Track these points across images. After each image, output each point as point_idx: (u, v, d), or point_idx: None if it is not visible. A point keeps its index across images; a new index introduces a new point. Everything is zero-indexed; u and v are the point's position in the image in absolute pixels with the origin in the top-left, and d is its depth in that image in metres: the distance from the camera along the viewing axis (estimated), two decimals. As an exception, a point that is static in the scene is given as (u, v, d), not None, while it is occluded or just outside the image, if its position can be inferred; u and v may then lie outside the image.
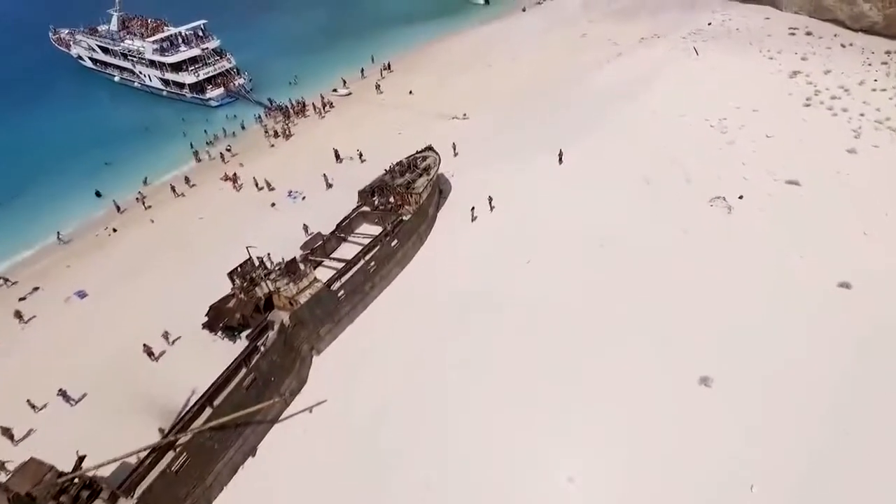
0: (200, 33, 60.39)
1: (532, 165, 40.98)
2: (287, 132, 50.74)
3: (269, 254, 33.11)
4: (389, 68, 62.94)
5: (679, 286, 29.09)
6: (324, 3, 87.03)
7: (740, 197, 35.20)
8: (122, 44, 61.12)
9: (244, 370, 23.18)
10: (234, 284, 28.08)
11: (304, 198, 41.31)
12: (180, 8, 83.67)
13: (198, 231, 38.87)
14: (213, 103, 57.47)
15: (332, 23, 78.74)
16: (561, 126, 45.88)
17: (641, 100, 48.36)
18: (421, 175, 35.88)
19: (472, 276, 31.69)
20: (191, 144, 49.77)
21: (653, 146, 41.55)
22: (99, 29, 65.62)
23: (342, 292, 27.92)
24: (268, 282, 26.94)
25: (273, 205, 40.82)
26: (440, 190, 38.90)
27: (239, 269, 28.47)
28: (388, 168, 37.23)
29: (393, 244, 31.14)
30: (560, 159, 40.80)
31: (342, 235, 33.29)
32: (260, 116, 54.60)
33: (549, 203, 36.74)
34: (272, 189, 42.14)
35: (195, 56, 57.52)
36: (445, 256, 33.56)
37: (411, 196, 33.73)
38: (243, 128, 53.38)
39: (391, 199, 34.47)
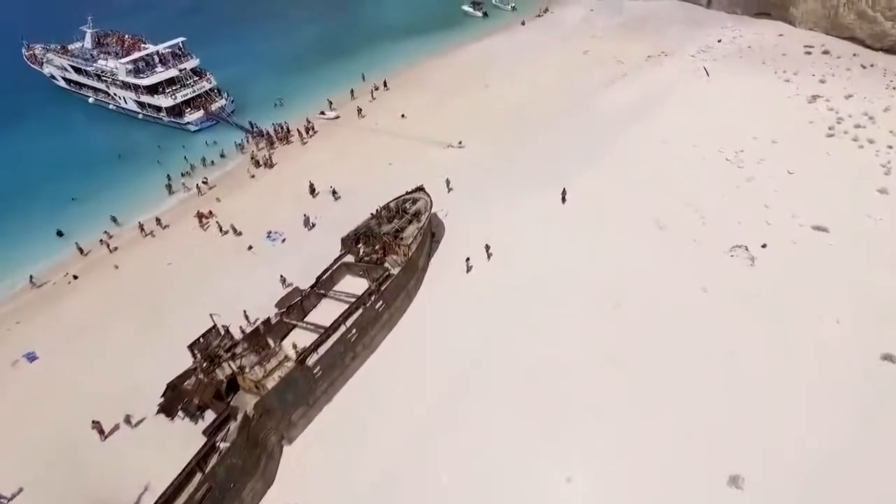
0: (178, 52, 57.27)
1: (533, 205, 37.97)
2: (269, 162, 47.62)
3: (244, 311, 30.24)
4: (385, 86, 59.95)
5: (701, 361, 26.00)
6: (315, 16, 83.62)
7: (763, 246, 32.18)
8: (95, 64, 57.98)
9: (198, 476, 19.99)
10: (194, 359, 24.93)
11: (283, 240, 38.20)
12: (160, 22, 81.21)
13: (165, 280, 35.69)
14: (192, 128, 54.34)
15: (323, 37, 75.46)
16: (563, 157, 42.90)
17: (650, 127, 45.46)
18: (410, 222, 32.77)
19: (466, 340, 28.59)
20: (168, 178, 46.38)
21: (664, 182, 38.58)
22: (71, 47, 62.49)
23: (318, 368, 24.80)
24: (231, 363, 23.77)
25: (250, 248, 37.67)
26: (432, 233, 35.83)
27: (201, 339, 25.36)
28: (374, 212, 34.15)
29: (378, 306, 28.03)
30: (563, 198, 37.79)
31: (322, 291, 30.15)
32: (241, 143, 51.45)
33: (552, 252, 33.69)
34: (238, 234, 38.88)
35: (172, 77, 54.40)
36: (436, 317, 30.44)
37: (399, 247, 30.64)
38: (223, 156, 50.10)
39: (377, 249, 31.38)
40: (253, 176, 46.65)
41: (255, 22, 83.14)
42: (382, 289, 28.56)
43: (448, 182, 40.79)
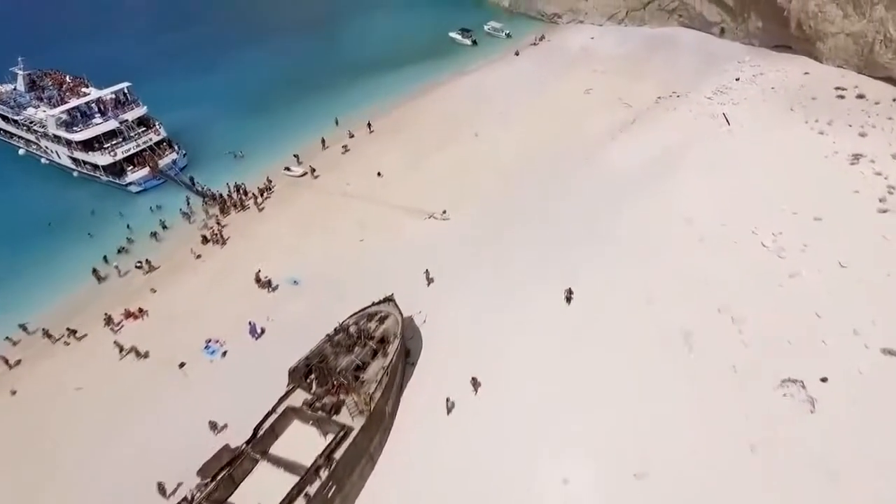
0: (124, 98, 50.69)
1: (531, 307, 31.55)
2: (219, 236, 41.01)
3: (158, 484, 23.74)
4: (370, 129, 54.18)
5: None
6: (289, 43, 76.85)
7: (823, 380, 25.84)
8: (24, 112, 51.27)
9: None
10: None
11: (224, 353, 31.64)
12: (114, 51, 74.79)
13: (69, 414, 29.05)
14: (134, 188, 47.72)
15: (296, 69, 68.77)
16: (566, 237, 36.54)
17: (668, 196, 39.19)
18: (375, 353, 26.24)
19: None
20: (105, 258, 39.76)
21: (690, 277, 32.26)
22: (0, 89, 55.76)
23: None
24: None
25: (182, 365, 31.01)
26: (407, 350, 29.33)
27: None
28: (330, 333, 27.63)
29: (328, 489, 21.49)
30: (568, 299, 31.43)
31: (257, 455, 23.53)
32: (189, 210, 44.81)
33: (554, 382, 27.22)
34: (145, 356, 32.14)
35: (112, 130, 47.79)
36: (405, 485, 23.89)
37: (360, 393, 24.13)
38: (165, 227, 43.25)
39: (333, 389, 24.86)
40: (199, 256, 39.98)
41: (220, 51, 75.99)
42: (336, 458, 22.07)
43: (427, 274, 34.32)
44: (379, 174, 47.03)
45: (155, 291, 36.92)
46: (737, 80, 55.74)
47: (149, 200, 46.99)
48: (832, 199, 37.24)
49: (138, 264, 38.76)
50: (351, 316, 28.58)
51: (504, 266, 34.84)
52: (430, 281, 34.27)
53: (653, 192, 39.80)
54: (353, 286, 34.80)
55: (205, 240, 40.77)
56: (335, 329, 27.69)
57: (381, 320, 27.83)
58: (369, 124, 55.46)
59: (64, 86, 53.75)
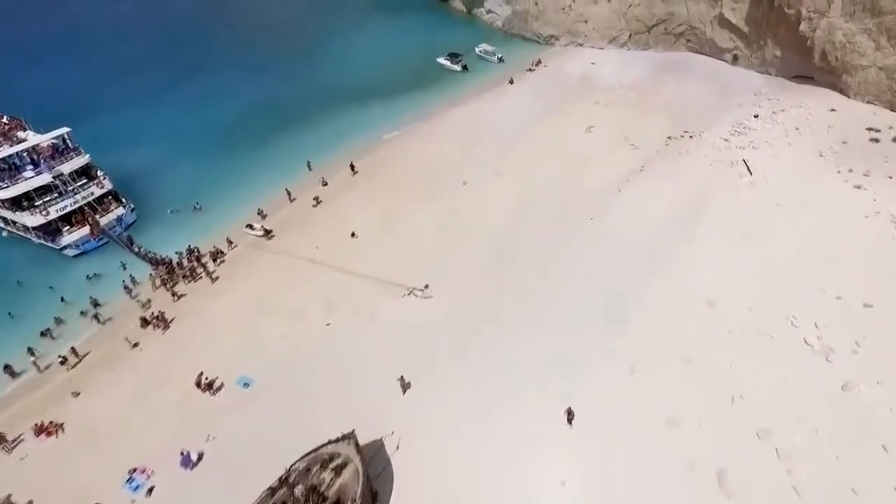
0: (62, 146, 45.18)
1: (526, 429, 26.10)
2: (161, 320, 35.41)
3: None
4: (353, 170, 49.41)
5: None
6: (262, 69, 71.11)
7: (903, 552, 20.58)
8: (-62, 163, 45.62)
9: None
10: None
11: (150, 489, 26.01)
12: (61, 81, 68.93)
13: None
14: (71, 252, 42.15)
15: (268, 100, 62.87)
16: (566, 328, 31.04)
17: (685, 271, 33.87)
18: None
19: None
20: (30, 350, 34.04)
21: (719, 388, 26.93)
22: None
23: None
24: None
25: (96, 506, 25.48)
26: (373, 493, 23.78)
27: None
28: (274, 484, 22.10)
29: None
30: (569, 419, 26.02)
31: None
32: (130, 283, 39.14)
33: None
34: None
35: (46, 185, 42.27)
36: None
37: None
38: (97, 305, 37.61)
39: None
40: (136, 345, 34.33)
41: (185, 77, 69.92)
42: None
43: (402, 380, 28.82)
44: (353, 234, 41.61)
45: (77, 395, 31.32)
46: (755, 117, 50.67)
47: (87, 266, 41.39)
48: (882, 276, 32.01)
49: (61, 358, 33.05)
50: (302, 458, 23.06)
51: (493, 367, 29.34)
52: (405, 387, 28.81)
53: (667, 265, 34.48)
54: (314, 392, 29.46)
55: (144, 322, 35.17)
56: (280, 479, 22.16)
57: (338, 470, 22.26)
58: (352, 165, 50.23)
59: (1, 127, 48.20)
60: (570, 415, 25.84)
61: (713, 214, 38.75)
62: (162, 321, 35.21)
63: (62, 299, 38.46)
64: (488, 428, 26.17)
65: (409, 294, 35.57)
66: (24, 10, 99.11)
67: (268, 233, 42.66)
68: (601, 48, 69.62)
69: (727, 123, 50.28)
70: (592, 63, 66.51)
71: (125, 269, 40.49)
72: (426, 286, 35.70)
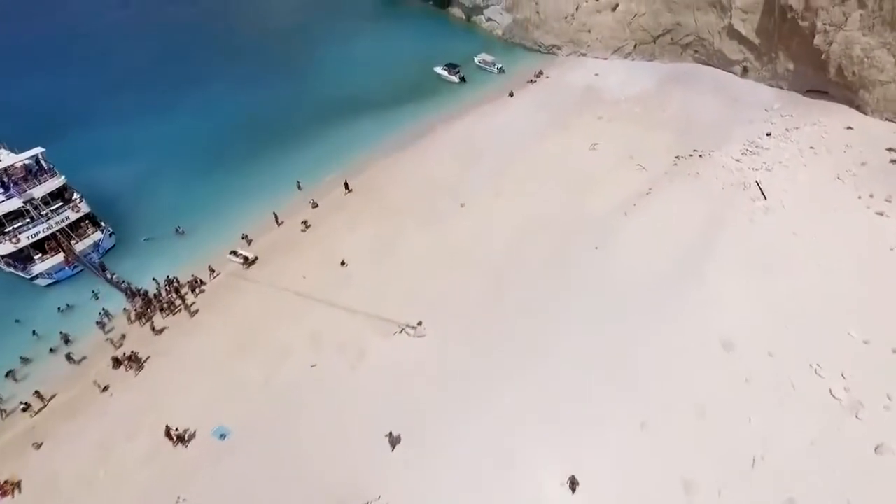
0: (35, 167, 42.93)
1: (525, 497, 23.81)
2: (133, 360, 33.04)
3: None
4: (347, 189, 47.54)
5: None
6: (253, 82, 67.90)
7: None
8: None
9: None
10: None
11: (112, 562, 23.76)
12: (37, 96, 65.73)
13: None
14: (43, 281, 39.87)
15: (258, 112, 60.46)
16: (569, 376, 28.81)
17: (698, 309, 31.60)
18: None
19: None
20: None
21: (739, 448, 24.63)
22: None
23: None
24: None
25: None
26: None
27: None
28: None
29: None
30: (573, 487, 23.69)
31: None
32: (103, 316, 36.79)
33: None
34: None
35: (17, 210, 40.04)
36: None
37: None
38: (67, 342, 35.37)
39: None
40: (105, 388, 31.98)
41: (173, 87, 67.09)
42: None
43: (391, 435, 26.53)
44: (343, 263, 39.30)
45: (39, 447, 29.02)
46: (768, 135, 48.40)
47: (60, 297, 39.05)
48: (909, 315, 29.84)
49: (23, 405, 30.73)
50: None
51: (487, 423, 27.04)
52: (394, 443, 26.51)
53: (678, 303, 32.23)
54: (296, 446, 27.28)
55: (116, 363, 32.86)
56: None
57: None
58: (346, 184, 48.04)
59: (-28, 147, 45.98)
60: (573, 483, 23.55)
61: (726, 244, 36.51)
62: (135, 361, 32.91)
63: (34, 332, 36.28)
64: (481, 498, 23.84)
65: (400, 332, 33.28)
66: (22, 10, 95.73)
67: (250, 262, 40.41)
68: (605, 59, 67.35)
69: (738, 141, 48.07)
70: (596, 74, 64.24)
71: (97, 298, 38.36)
72: (419, 323, 33.40)
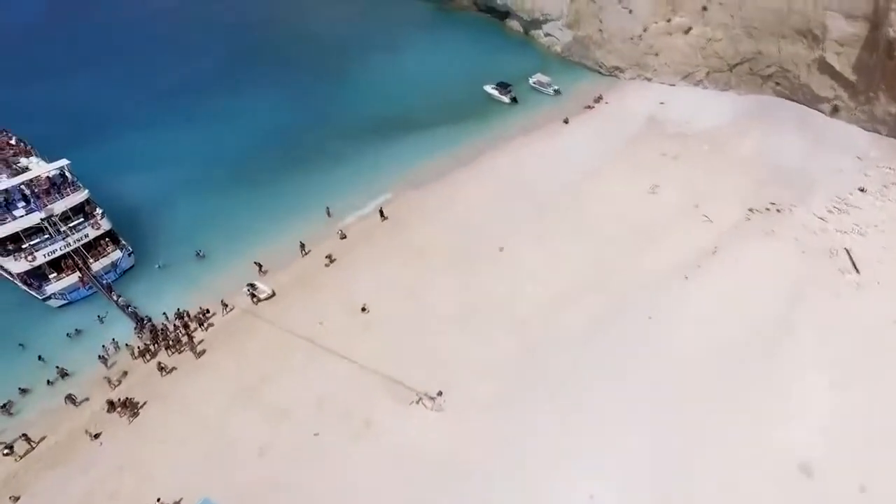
0: (60, 180, 41.54)
1: None
2: (128, 406, 30.63)
3: None
4: (383, 216, 44.68)
5: None
6: (291, 94, 64.42)
7: None
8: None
9: None
10: None
11: None
12: (67, 101, 63.89)
13: None
14: (56, 302, 38.28)
15: (293, 127, 57.41)
16: (604, 487, 24.41)
17: (772, 419, 26.50)
18: None
19: None
20: None
21: None
22: None
23: None
24: None
25: None
26: None
27: None
28: None
29: None
30: None
31: None
32: (104, 354, 34.34)
33: None
34: None
35: (36, 227, 38.62)
36: None
37: None
38: (65, 375, 33.44)
39: None
40: (96, 436, 29.58)
41: (207, 95, 64.03)
42: None
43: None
44: (364, 309, 35.96)
45: (16, 501, 26.89)
46: (861, 190, 42.24)
47: (70, 320, 37.31)
48: None
49: (6, 451, 28.71)
50: None
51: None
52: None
53: (746, 399, 27.27)
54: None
55: (111, 406, 30.55)
56: None
57: None
58: (381, 211, 44.98)
59: (3, 153, 44.98)
60: None
61: (807, 327, 31.15)
62: (130, 407, 30.53)
63: (39, 357, 34.64)
64: None
65: (417, 402, 29.62)
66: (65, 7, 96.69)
67: (268, 297, 37.70)
68: (672, 85, 61.67)
69: (824, 195, 42.17)
70: (661, 103, 58.74)
71: (102, 322, 36.69)
72: (439, 393, 29.62)
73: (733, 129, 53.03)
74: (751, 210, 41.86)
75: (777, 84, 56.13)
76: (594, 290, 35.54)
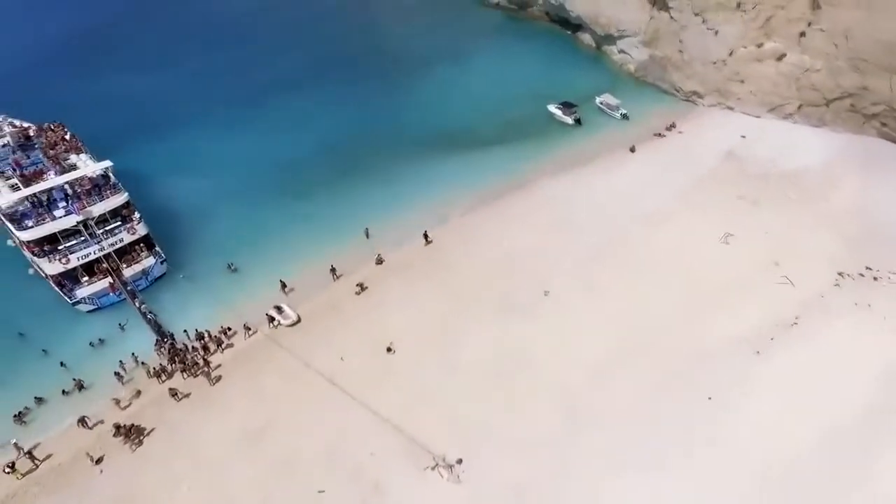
0: (102, 181, 41.26)
1: None
2: (133, 433, 29.36)
3: None
4: (427, 240, 42.48)
5: None
6: (346, 102, 63.12)
7: None
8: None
9: None
10: None
11: None
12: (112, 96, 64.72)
13: None
14: (85, 307, 37.90)
15: (343, 137, 56.15)
16: None
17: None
18: None
19: None
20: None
21: None
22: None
23: None
24: None
25: None
26: None
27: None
28: None
29: None
30: None
31: None
32: (120, 370, 33.25)
33: None
34: None
35: (72, 228, 38.37)
36: None
37: None
38: (81, 388, 32.72)
39: None
40: (98, 461, 28.53)
41: (258, 96, 64.09)
42: None
43: None
44: (389, 349, 33.42)
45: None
46: (980, 263, 35.86)
47: (95, 327, 36.84)
48: None
49: (8, 469, 27.99)
50: None
51: None
52: None
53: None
54: None
55: (117, 430, 29.40)
56: None
57: None
58: (426, 234, 42.47)
59: (56, 149, 45.54)
60: None
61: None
62: (136, 433, 29.29)
63: (62, 364, 34.24)
64: None
65: (433, 468, 26.74)
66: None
67: (279, 323, 35.91)
68: (757, 116, 55.71)
69: (934, 264, 36.04)
70: (743, 136, 53.02)
71: (123, 329, 36.26)
72: (459, 461, 26.69)
73: (826, 173, 46.93)
74: (841, 274, 36.26)
75: (882, 124, 49.38)
76: (647, 355, 31.44)
